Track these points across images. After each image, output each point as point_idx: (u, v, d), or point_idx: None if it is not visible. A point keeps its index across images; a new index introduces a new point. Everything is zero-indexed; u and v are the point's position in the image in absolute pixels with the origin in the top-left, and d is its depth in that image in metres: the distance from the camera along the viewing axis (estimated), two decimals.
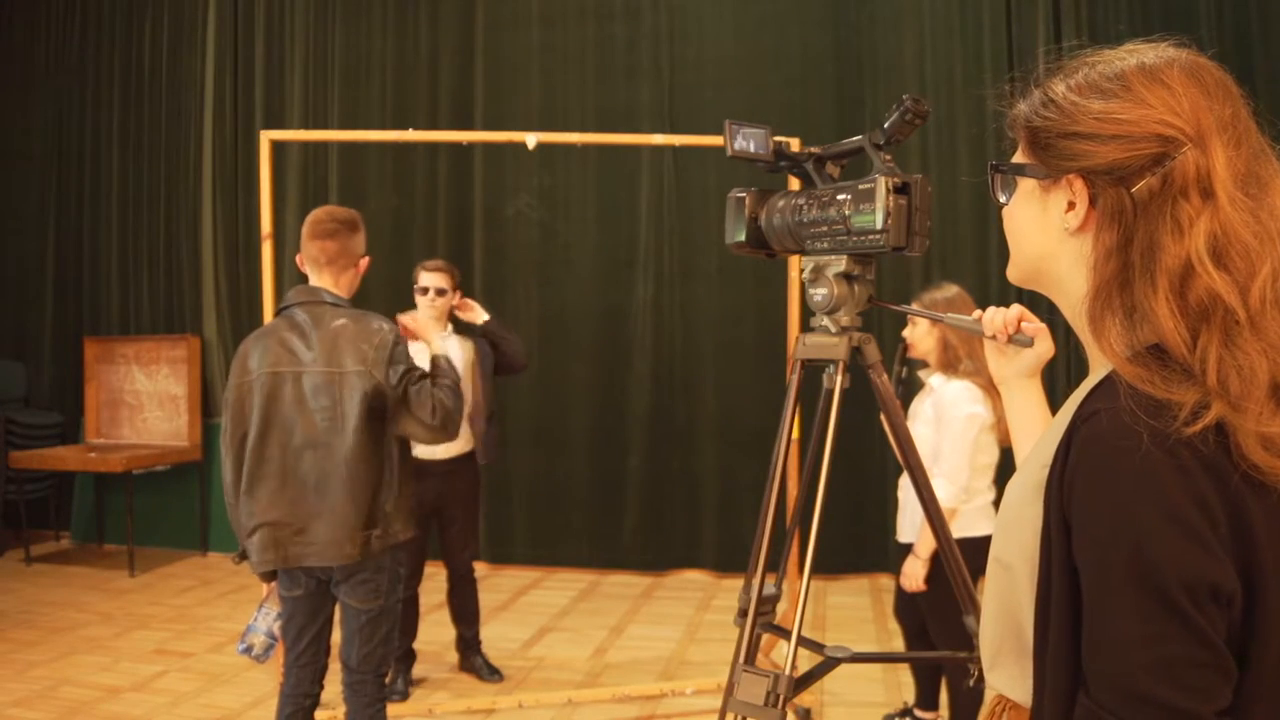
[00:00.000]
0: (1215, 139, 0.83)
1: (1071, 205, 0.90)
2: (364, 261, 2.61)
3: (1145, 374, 0.80)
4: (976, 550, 2.41)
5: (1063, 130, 0.89)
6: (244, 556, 2.51)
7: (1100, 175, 0.86)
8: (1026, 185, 0.95)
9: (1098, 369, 0.91)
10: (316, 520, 2.38)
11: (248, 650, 2.57)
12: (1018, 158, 0.96)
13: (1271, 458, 0.77)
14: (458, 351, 3.67)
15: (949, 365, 2.92)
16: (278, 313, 2.55)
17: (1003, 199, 0.99)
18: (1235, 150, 0.83)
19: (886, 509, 5.34)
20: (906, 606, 3.12)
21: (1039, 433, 1.25)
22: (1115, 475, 0.78)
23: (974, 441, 2.83)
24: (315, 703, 2.57)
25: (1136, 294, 0.83)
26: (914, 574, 2.87)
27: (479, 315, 3.76)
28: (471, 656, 3.88)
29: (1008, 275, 1.02)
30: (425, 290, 3.58)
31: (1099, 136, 0.85)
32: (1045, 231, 0.93)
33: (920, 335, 2.95)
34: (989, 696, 1.02)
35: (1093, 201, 0.88)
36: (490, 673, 3.82)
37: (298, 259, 2.58)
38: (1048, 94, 0.91)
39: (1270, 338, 0.80)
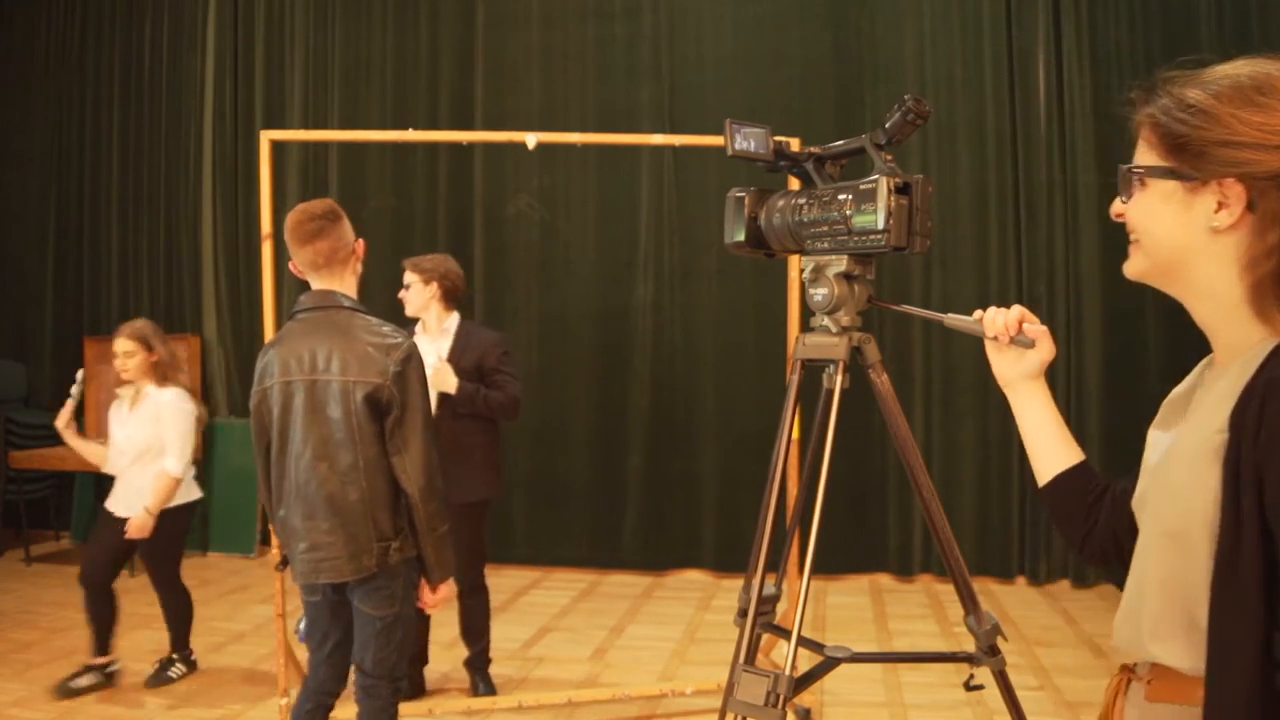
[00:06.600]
0: None
1: (1221, 206, 0.96)
2: (360, 245, 2.50)
3: None
4: (190, 511, 3.80)
5: (1220, 139, 0.95)
6: (285, 563, 2.51)
7: (1261, 181, 0.93)
8: (1166, 186, 1.01)
9: (1235, 353, 0.98)
10: (331, 534, 2.33)
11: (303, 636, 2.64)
12: (1149, 159, 1.02)
13: None
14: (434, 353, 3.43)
15: (162, 378, 3.74)
16: (289, 317, 2.45)
17: (1124, 198, 1.05)
18: None
19: (886, 509, 5.36)
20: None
21: (1056, 431, 1.29)
22: None
23: (192, 430, 3.73)
24: (334, 701, 2.58)
25: None
26: (144, 525, 3.61)
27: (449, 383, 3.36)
28: (473, 676, 3.62)
29: (1125, 270, 1.08)
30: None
31: (1265, 146, 0.93)
32: (1188, 229, 0.99)
33: (124, 358, 3.70)
34: (1113, 671, 1.10)
35: (1249, 204, 0.94)
36: (485, 689, 3.58)
37: (291, 267, 2.46)
38: (1185, 100, 0.97)
39: None
